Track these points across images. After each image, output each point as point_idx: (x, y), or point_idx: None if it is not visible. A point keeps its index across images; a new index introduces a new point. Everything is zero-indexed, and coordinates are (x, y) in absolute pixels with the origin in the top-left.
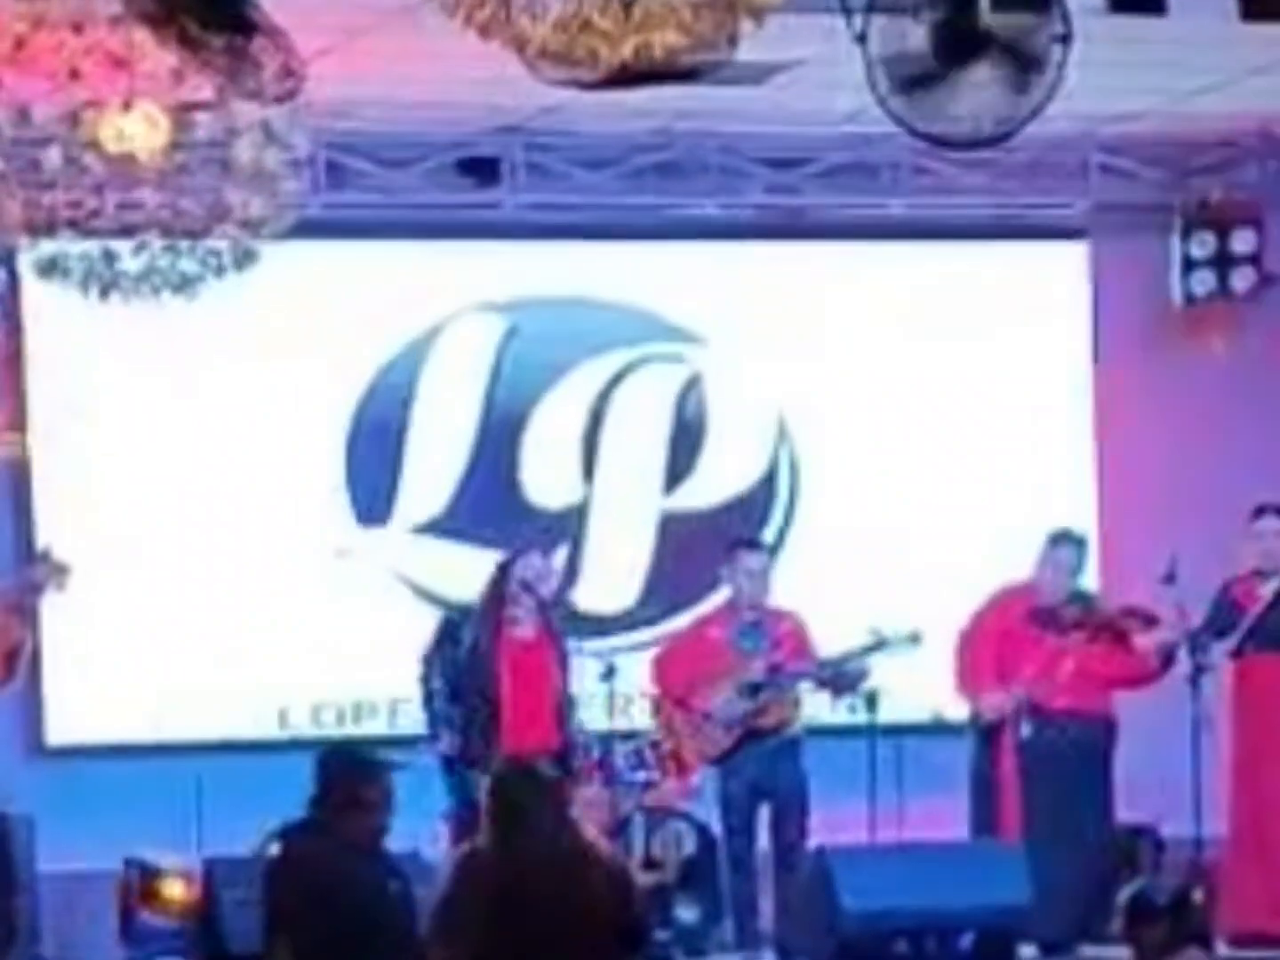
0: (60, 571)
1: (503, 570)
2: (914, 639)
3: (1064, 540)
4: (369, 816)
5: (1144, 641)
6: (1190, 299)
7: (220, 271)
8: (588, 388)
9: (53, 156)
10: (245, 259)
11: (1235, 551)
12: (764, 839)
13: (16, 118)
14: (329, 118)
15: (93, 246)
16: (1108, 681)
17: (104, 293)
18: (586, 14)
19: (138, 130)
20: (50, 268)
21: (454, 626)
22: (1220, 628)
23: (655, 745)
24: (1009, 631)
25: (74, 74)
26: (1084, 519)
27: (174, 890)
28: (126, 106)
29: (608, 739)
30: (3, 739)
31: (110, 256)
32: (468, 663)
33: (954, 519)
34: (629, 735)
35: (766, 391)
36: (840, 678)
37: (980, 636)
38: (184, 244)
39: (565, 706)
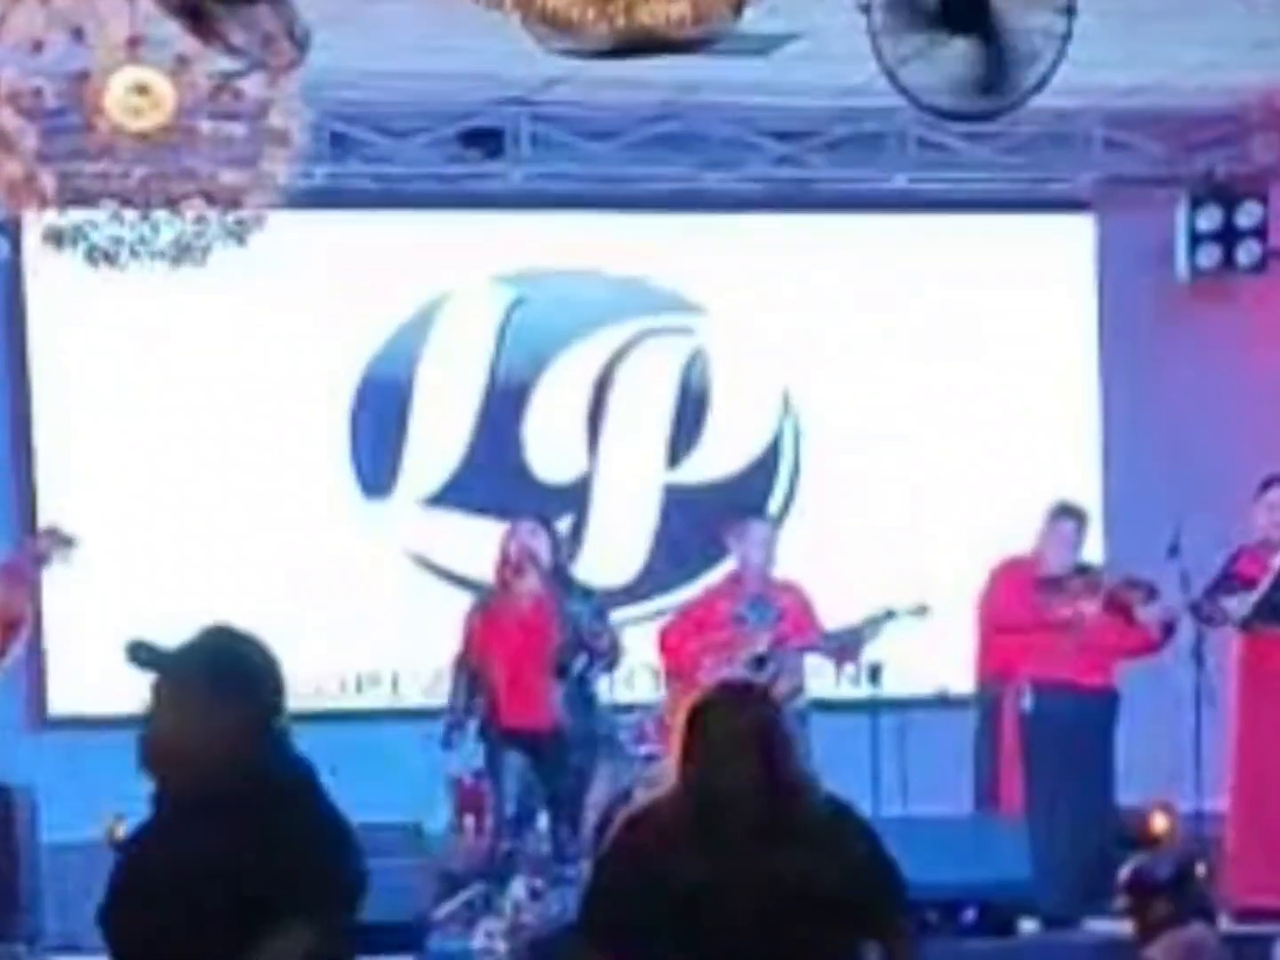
0: (65, 544)
1: (504, 542)
2: (920, 611)
3: (1066, 513)
4: None
5: (1146, 613)
6: (1196, 272)
7: (238, 239)
8: (592, 360)
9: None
10: (250, 226)
11: (1243, 523)
12: None
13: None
14: (334, 87)
15: (98, 216)
16: (1111, 653)
17: (111, 262)
18: None
19: (141, 102)
20: (56, 237)
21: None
22: (1225, 591)
23: (658, 719)
24: (1016, 602)
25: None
26: (1089, 491)
27: None
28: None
29: (610, 712)
30: (5, 710)
31: (93, 225)
32: (466, 633)
33: (958, 491)
34: (631, 708)
35: (771, 364)
36: (843, 649)
37: (995, 608)
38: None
39: (560, 681)
